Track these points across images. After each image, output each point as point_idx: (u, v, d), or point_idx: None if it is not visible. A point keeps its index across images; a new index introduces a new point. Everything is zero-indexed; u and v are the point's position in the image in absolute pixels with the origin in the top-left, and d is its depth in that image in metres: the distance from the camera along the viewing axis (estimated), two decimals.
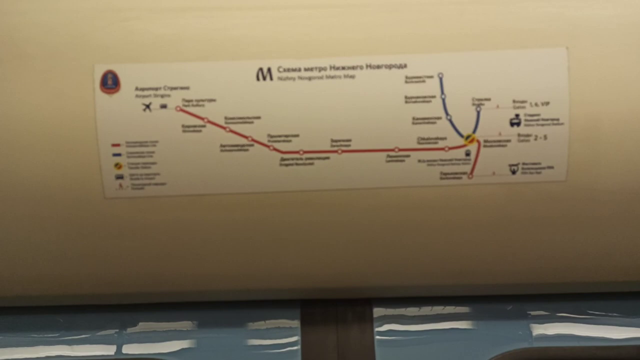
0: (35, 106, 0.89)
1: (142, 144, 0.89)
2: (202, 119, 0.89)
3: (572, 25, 0.91)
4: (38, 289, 0.96)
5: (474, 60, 0.90)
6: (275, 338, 0.99)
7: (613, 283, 0.99)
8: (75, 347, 0.98)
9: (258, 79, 0.89)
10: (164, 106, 0.89)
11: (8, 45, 0.89)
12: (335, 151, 0.90)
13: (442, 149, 0.91)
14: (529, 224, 0.93)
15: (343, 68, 0.89)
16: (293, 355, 0.97)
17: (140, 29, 0.90)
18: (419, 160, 0.91)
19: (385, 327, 1.00)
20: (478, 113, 0.90)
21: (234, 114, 0.89)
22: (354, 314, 1.01)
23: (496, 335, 0.99)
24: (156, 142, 0.89)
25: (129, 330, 1.00)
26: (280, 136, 0.90)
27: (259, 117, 0.89)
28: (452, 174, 0.91)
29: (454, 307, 1.02)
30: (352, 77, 0.89)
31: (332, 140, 0.90)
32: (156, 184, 0.91)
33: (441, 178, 0.91)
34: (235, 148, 0.90)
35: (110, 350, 0.98)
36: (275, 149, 0.90)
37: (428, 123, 0.90)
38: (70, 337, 0.99)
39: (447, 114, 0.90)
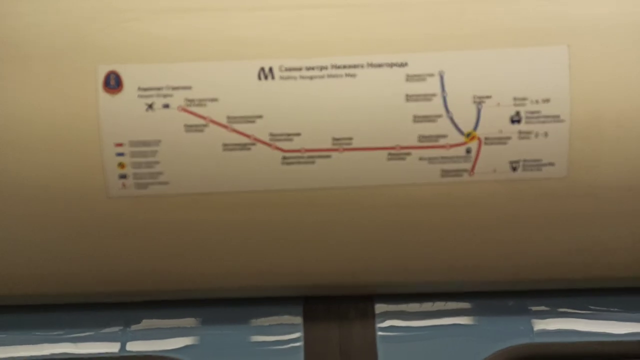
0: (38, 107, 0.89)
1: (145, 143, 0.90)
2: (204, 118, 0.90)
3: (574, 23, 0.91)
4: (43, 287, 0.97)
5: (474, 59, 0.90)
6: (278, 334, 1.00)
7: (614, 279, 1.00)
8: (79, 344, 0.99)
9: (260, 78, 0.90)
10: (166, 106, 0.89)
11: (11, 46, 0.90)
12: (337, 149, 0.91)
13: (443, 146, 0.91)
14: (530, 221, 0.94)
15: (344, 67, 0.90)
16: (296, 351, 0.98)
17: (142, 30, 0.90)
18: (420, 158, 0.91)
19: (387, 323, 1.00)
20: (479, 111, 0.90)
21: (236, 114, 0.89)
22: (356, 311, 1.01)
23: (497, 331, 0.99)
24: (159, 141, 0.90)
25: (133, 327, 1.00)
26: (282, 135, 0.90)
27: (260, 116, 0.90)
28: (453, 171, 0.92)
29: (455, 303, 1.02)
30: (353, 76, 0.90)
31: (334, 139, 0.90)
32: (159, 183, 0.91)
33: (442, 176, 0.92)
34: (238, 147, 0.90)
35: (114, 347, 0.98)
36: (277, 148, 0.90)
37: (429, 121, 0.90)
38: (75, 335, 1.00)
39: (447, 111, 0.90)
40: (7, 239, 0.93)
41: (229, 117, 0.90)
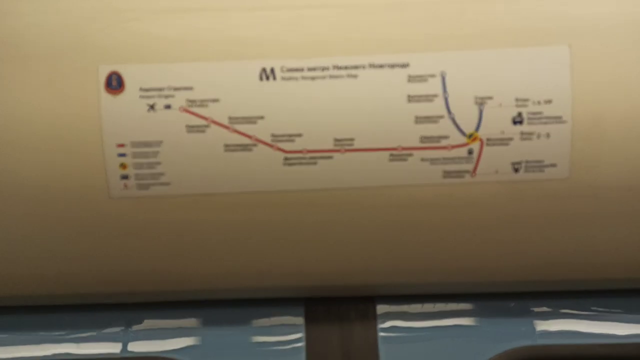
0: (40, 107, 0.89)
1: (146, 144, 0.90)
2: (206, 119, 0.90)
3: (575, 23, 0.91)
4: (44, 288, 0.97)
5: (476, 59, 0.90)
6: (280, 335, 1.00)
7: (617, 280, 1.00)
8: (81, 344, 0.99)
9: (261, 79, 0.90)
10: (168, 107, 0.89)
11: (11, 46, 0.90)
12: (339, 150, 0.91)
13: (445, 147, 0.91)
14: (532, 222, 0.94)
15: (346, 68, 0.90)
16: (297, 352, 0.98)
17: (144, 30, 0.90)
18: (422, 159, 0.91)
19: (389, 324, 1.00)
20: (480, 111, 0.90)
21: (238, 114, 0.89)
22: (357, 312, 1.01)
23: (499, 332, 0.99)
24: (161, 142, 0.90)
25: (135, 328, 1.00)
26: (283, 136, 0.90)
27: (262, 117, 0.90)
28: (454, 172, 0.92)
29: (457, 304, 1.02)
30: (355, 76, 0.90)
31: (335, 140, 0.90)
32: (161, 184, 0.91)
33: (444, 176, 0.92)
34: (239, 148, 0.90)
35: (116, 347, 0.99)
36: (278, 149, 0.90)
37: (431, 122, 0.90)
38: (76, 335, 1.00)
39: (449, 112, 0.90)
40: (9, 239, 0.94)
41: (230, 118, 0.90)
